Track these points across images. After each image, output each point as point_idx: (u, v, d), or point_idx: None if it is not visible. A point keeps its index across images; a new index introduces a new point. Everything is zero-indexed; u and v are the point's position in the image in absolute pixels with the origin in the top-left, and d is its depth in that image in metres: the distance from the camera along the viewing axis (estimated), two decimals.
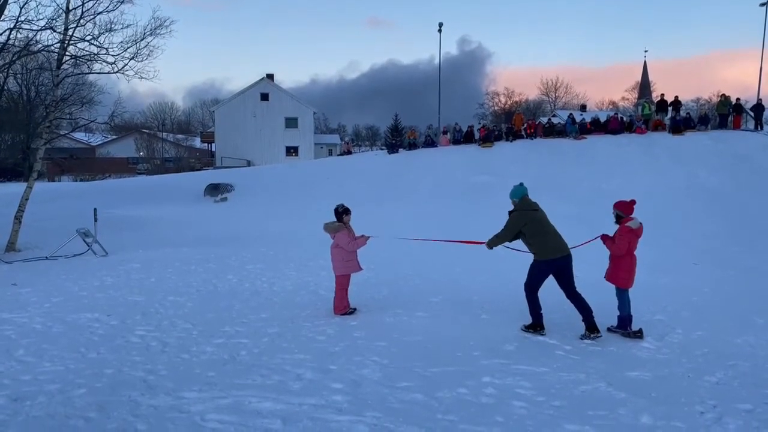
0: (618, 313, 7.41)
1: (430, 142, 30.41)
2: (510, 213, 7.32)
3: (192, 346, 6.56)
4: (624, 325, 7.36)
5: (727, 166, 21.22)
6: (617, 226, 7.32)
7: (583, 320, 7.08)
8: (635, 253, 7.31)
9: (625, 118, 30.13)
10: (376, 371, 5.79)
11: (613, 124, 27.38)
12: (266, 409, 4.75)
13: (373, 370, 5.83)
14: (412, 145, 30.29)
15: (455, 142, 28.99)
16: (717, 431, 4.59)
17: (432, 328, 7.49)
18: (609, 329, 7.36)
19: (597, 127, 27.77)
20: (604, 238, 7.42)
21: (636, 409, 4.92)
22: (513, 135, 28.12)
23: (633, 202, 7.36)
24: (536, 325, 7.28)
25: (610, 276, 7.41)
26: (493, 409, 4.88)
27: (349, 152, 36.70)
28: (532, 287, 7.27)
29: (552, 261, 7.06)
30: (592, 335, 7.01)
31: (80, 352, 6.28)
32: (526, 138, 27.96)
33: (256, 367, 5.86)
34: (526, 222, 7.14)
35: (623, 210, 7.30)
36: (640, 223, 7.21)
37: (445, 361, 6.13)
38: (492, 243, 7.45)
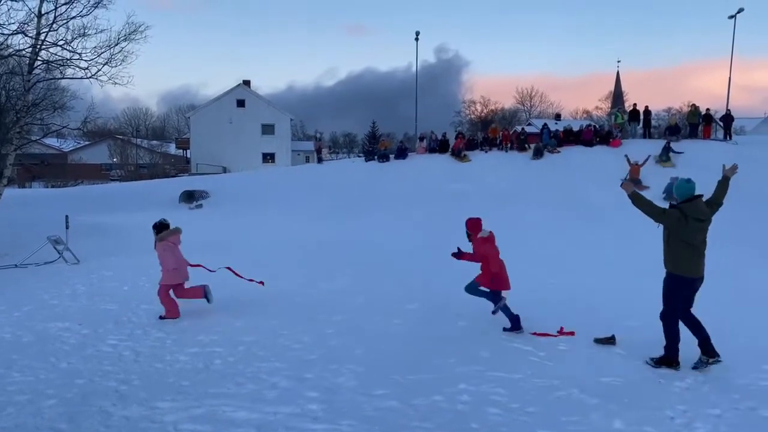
0: (508, 318, 7.74)
1: (402, 152, 28.69)
2: (670, 206, 6.49)
3: (165, 355, 6.49)
4: (517, 326, 7.65)
5: (697, 175, 21.60)
6: (470, 243, 7.91)
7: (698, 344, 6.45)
8: (500, 258, 7.78)
9: (598, 127, 30.37)
10: (352, 379, 5.79)
11: (587, 135, 27.21)
12: (241, 418, 4.72)
13: (348, 378, 5.83)
14: (384, 157, 28.50)
15: (431, 150, 28.75)
16: None
17: (408, 335, 7.51)
18: (505, 330, 7.67)
19: (570, 138, 27.37)
20: (461, 255, 7.93)
21: (608, 415, 4.99)
22: (489, 144, 27.98)
23: (479, 220, 7.94)
24: (671, 360, 6.42)
25: (490, 285, 7.74)
26: (468, 416, 4.91)
27: (319, 151, 35.29)
28: (674, 309, 6.43)
29: (690, 279, 6.31)
30: (711, 360, 6.35)
31: (50, 362, 6.17)
32: (501, 150, 27.69)
33: (230, 375, 5.81)
34: (679, 220, 6.18)
35: (472, 229, 7.86)
36: (490, 231, 7.81)
37: (421, 368, 6.15)
38: (636, 195, 6.38)
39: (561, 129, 29.02)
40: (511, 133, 29.79)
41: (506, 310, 7.71)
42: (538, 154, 25.78)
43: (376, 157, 29.01)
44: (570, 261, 12.89)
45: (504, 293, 7.76)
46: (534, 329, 7.78)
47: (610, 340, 7.32)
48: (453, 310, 8.93)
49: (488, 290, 7.82)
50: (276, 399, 5.18)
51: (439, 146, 28.53)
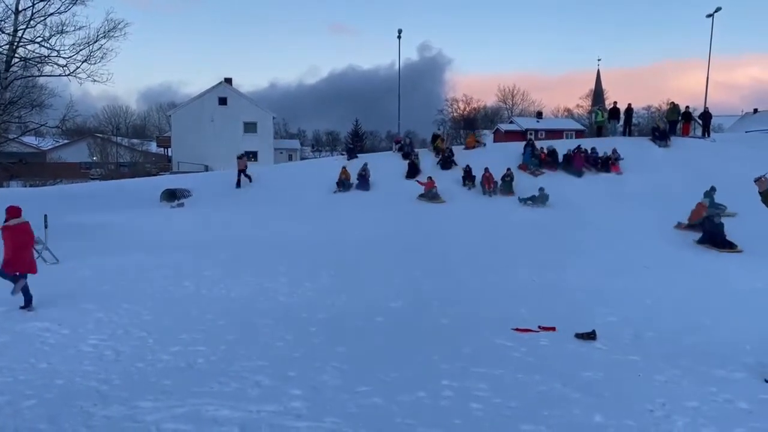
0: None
1: (363, 183, 22.86)
2: None
3: (147, 355, 6.44)
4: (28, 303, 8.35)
5: (677, 172, 21.92)
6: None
7: None
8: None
9: (587, 138, 27.57)
10: (336, 377, 5.80)
11: (578, 163, 22.96)
12: (224, 417, 4.70)
13: (332, 375, 5.84)
14: (342, 185, 22.82)
15: (405, 155, 25.45)
16: (666, 428, 4.76)
17: (391, 332, 7.54)
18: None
19: (554, 162, 23.47)
20: None
21: (589, 409, 5.06)
22: (472, 182, 22.06)
23: (20, 209, 8.52)
24: None
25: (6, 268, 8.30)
26: (451, 412, 4.94)
27: (243, 170, 25.24)
28: None
29: None
30: None
31: (30, 363, 6.10)
32: (485, 194, 21.26)
33: (213, 374, 5.79)
34: None
35: (10, 214, 8.32)
36: (20, 222, 8.42)
37: (404, 365, 6.18)
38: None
39: (545, 149, 24.24)
40: (492, 178, 21.71)
41: (26, 291, 8.39)
42: (534, 200, 19.78)
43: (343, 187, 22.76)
44: (552, 260, 12.99)
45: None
46: (516, 325, 7.85)
47: (590, 335, 7.41)
48: (435, 307, 8.97)
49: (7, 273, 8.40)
50: (259, 397, 5.17)
51: (408, 168, 23.73)
